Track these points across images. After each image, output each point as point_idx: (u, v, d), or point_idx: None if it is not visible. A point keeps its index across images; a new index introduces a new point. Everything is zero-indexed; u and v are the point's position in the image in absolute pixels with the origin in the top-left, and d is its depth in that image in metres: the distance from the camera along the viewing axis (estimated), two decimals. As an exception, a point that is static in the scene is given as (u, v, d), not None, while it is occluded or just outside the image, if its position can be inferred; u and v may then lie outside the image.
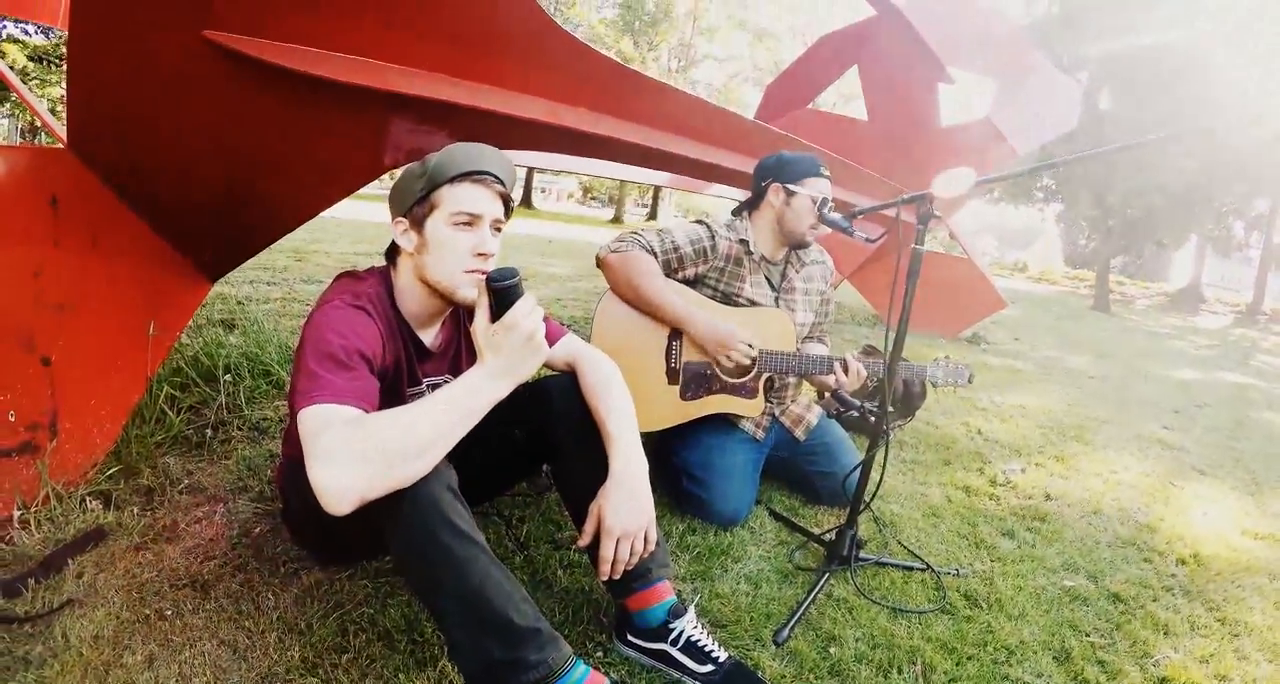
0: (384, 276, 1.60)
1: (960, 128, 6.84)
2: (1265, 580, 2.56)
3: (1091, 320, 15.15)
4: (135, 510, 1.92)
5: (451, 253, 1.49)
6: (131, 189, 1.98)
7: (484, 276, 1.38)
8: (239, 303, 4.21)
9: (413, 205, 1.51)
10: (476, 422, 1.31)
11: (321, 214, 2.35)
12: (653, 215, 37.62)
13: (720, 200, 7.48)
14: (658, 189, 32.59)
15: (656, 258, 2.35)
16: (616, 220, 31.85)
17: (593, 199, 56.43)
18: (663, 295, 2.31)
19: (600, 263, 2.37)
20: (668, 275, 2.38)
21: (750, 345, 2.36)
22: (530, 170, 27.85)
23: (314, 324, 1.39)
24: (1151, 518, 3.02)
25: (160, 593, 1.62)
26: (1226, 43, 15.91)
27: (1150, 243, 21.45)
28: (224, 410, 2.57)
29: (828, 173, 2.47)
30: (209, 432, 2.43)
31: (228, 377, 2.70)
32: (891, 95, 6.94)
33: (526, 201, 30.27)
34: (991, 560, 2.38)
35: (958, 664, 1.78)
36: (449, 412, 1.27)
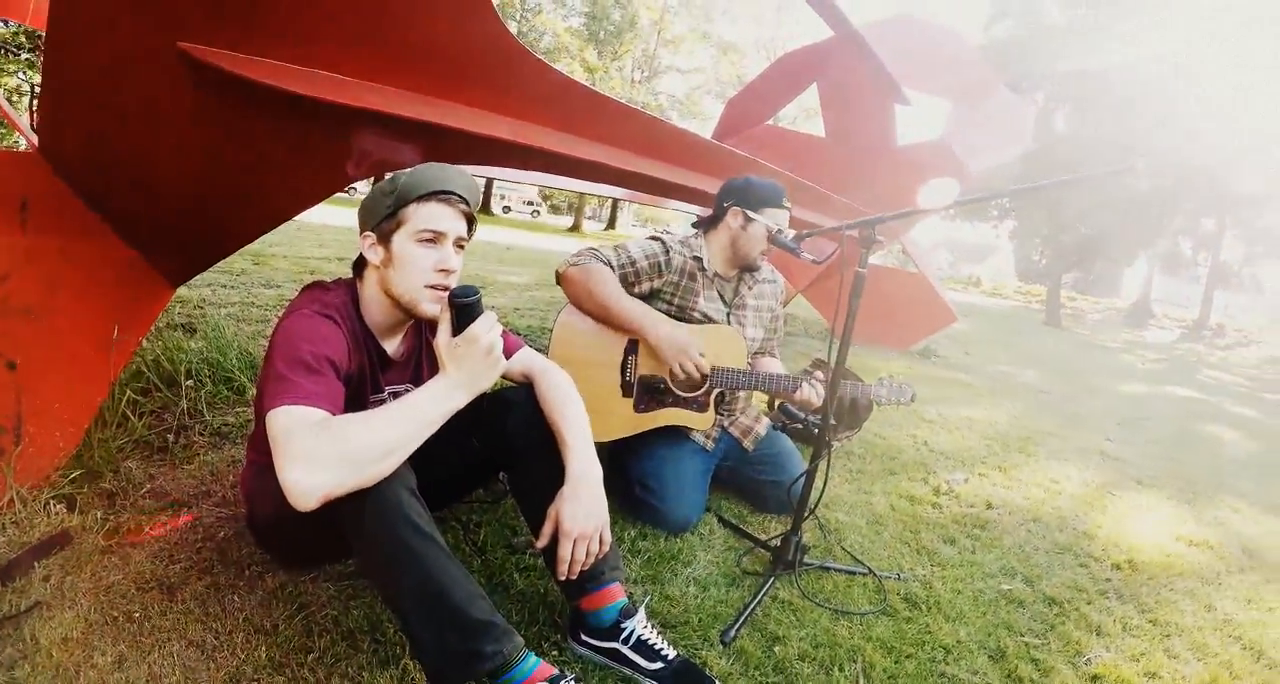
0: (350, 288, 1.67)
1: (916, 147, 7.01)
2: (1197, 584, 2.69)
3: (1043, 334, 15.53)
4: (99, 514, 1.94)
5: (415, 268, 1.56)
6: (100, 195, 2.02)
7: (446, 293, 1.47)
8: (198, 306, 4.22)
9: (380, 221, 1.58)
10: (436, 428, 1.39)
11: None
12: (611, 225, 37.73)
13: (679, 214, 7.57)
14: (616, 199, 32.64)
15: (614, 271, 2.43)
16: (575, 228, 31.82)
17: (551, 207, 56.34)
18: (622, 304, 2.39)
19: (560, 278, 2.45)
20: (625, 289, 2.45)
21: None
22: (490, 180, 27.79)
23: (284, 330, 1.46)
24: (1089, 525, 3.14)
25: (128, 595, 1.65)
26: (1176, 70, 16.42)
27: (1101, 259, 22.01)
28: (185, 416, 2.59)
29: (789, 205, 2.56)
30: (170, 437, 2.45)
31: (189, 382, 2.72)
32: (849, 114, 7.07)
33: (485, 208, 30.15)
34: (932, 565, 2.47)
35: (896, 662, 1.86)
36: (412, 417, 1.35)
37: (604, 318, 2.42)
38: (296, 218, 2.35)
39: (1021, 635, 2.10)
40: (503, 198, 48.14)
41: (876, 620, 2.05)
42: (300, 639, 1.58)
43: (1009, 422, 5.22)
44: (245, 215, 2.26)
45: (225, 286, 5.12)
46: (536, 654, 1.41)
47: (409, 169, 1.58)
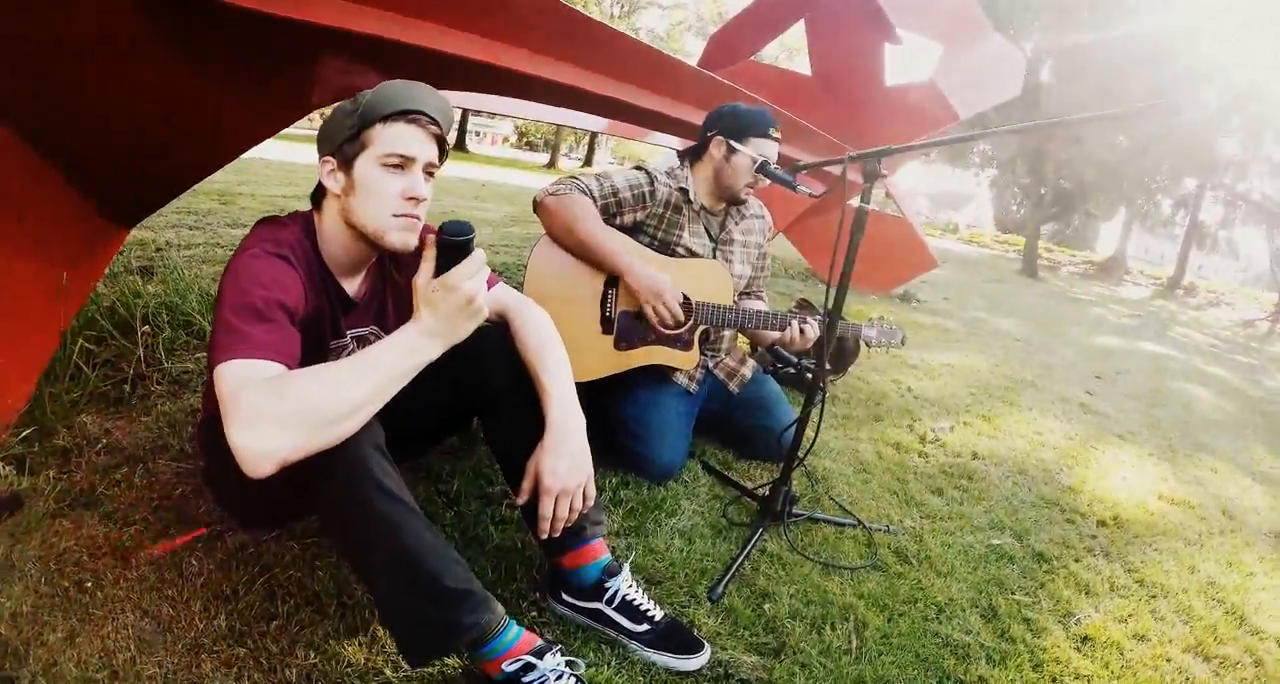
0: (307, 222, 1.49)
1: (905, 88, 6.84)
2: (1180, 545, 2.65)
3: (1018, 284, 15.57)
4: (51, 474, 1.79)
5: (380, 196, 1.38)
6: (40, 133, 1.81)
7: (421, 225, 1.32)
8: (159, 249, 3.96)
9: (341, 144, 1.39)
10: (406, 382, 1.23)
11: (249, 155, 2.18)
12: (588, 162, 37.03)
13: (658, 149, 7.34)
14: (594, 135, 31.99)
15: (595, 202, 2.27)
16: (551, 165, 31.19)
17: (527, 144, 55.25)
18: (600, 240, 2.23)
19: (537, 206, 2.27)
20: (606, 221, 2.30)
21: (685, 300, 2.31)
22: (465, 113, 27.00)
23: (232, 273, 1.29)
24: (1074, 480, 3.11)
25: (79, 563, 1.52)
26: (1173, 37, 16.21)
27: (1080, 213, 22.07)
28: (142, 364, 2.41)
29: (778, 136, 2.41)
30: (127, 387, 2.28)
31: (145, 328, 2.53)
32: (837, 52, 6.87)
33: (460, 145, 29.33)
34: (921, 517, 2.41)
35: (890, 621, 1.79)
36: (378, 371, 1.20)
37: (581, 253, 2.26)
38: (264, 156, 2.14)
39: (1013, 593, 2.05)
40: (477, 134, 47.01)
41: (868, 575, 1.98)
42: (262, 605, 1.47)
43: (989, 369, 5.18)
44: (198, 149, 2.08)
45: (190, 228, 4.82)
46: (514, 615, 1.30)
47: (374, 87, 1.40)
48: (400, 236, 1.41)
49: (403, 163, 1.38)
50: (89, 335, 2.38)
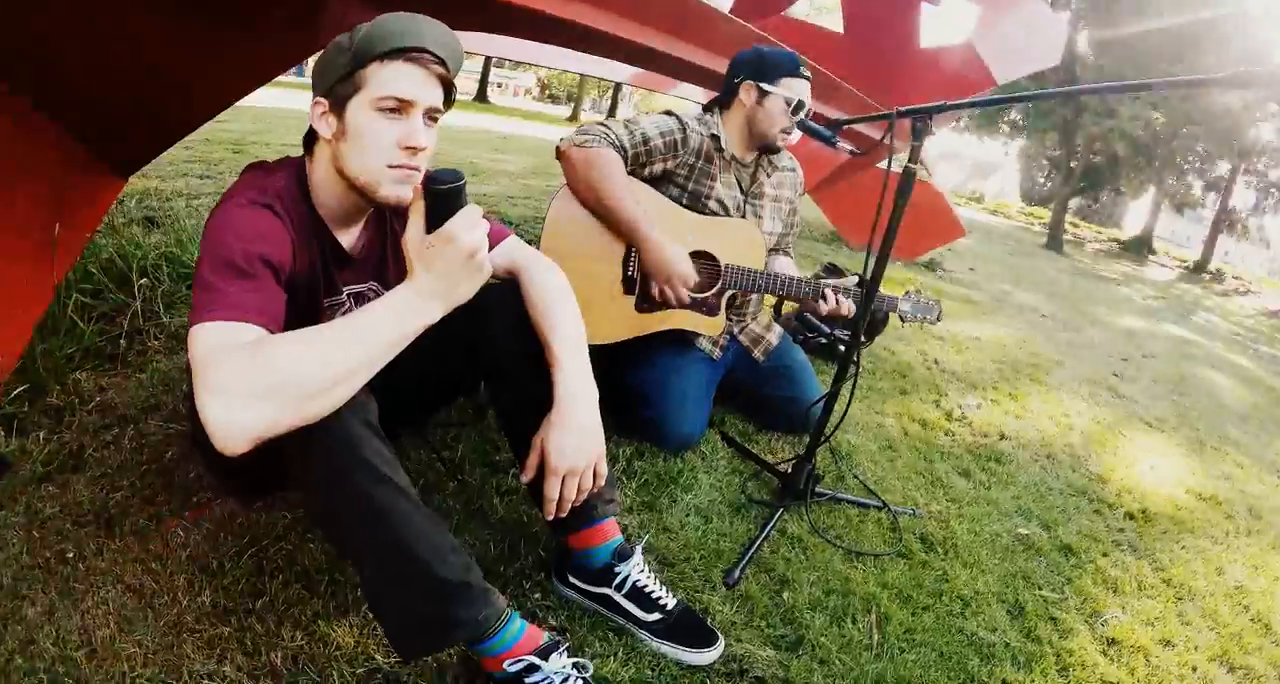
0: (298, 168, 1.33)
1: (940, 50, 6.58)
2: (1208, 544, 2.55)
3: (1043, 258, 15.27)
4: (41, 435, 1.70)
5: (374, 143, 1.21)
6: (29, 79, 1.67)
7: (414, 175, 1.16)
8: (168, 198, 3.79)
9: (334, 84, 1.22)
10: (401, 348, 1.10)
11: (264, 103, 2.03)
12: (611, 114, 36.33)
13: (683, 102, 7.10)
14: (618, 87, 31.33)
15: (626, 153, 2.11)
16: (574, 118, 30.57)
17: (550, 96, 54.35)
18: (622, 204, 2.07)
19: (560, 155, 2.10)
20: (635, 171, 2.15)
21: (713, 262, 2.19)
22: (487, 63, 26.38)
23: (212, 226, 1.15)
24: (1102, 467, 3.00)
25: (62, 532, 1.43)
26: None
27: (1109, 189, 21.62)
28: (140, 318, 2.30)
29: (807, 73, 2.25)
30: (123, 342, 2.17)
31: (144, 281, 2.40)
32: (872, 9, 6.59)
33: (482, 96, 28.79)
34: (947, 501, 2.31)
35: (914, 614, 1.70)
36: (369, 337, 1.06)
37: (599, 213, 2.11)
38: (282, 105, 1.97)
39: (1039, 589, 1.96)
40: (499, 86, 46.11)
41: (892, 563, 1.88)
42: (249, 580, 1.38)
43: (1015, 344, 5.04)
44: (198, 93, 1.92)
45: (200, 177, 4.63)
46: (518, 597, 1.19)
47: (371, 21, 1.23)
48: (395, 190, 1.24)
49: (400, 107, 1.21)
50: (85, 289, 2.27)
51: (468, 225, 1.08)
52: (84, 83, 1.71)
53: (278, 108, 9.57)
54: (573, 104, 33.69)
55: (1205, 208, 27.96)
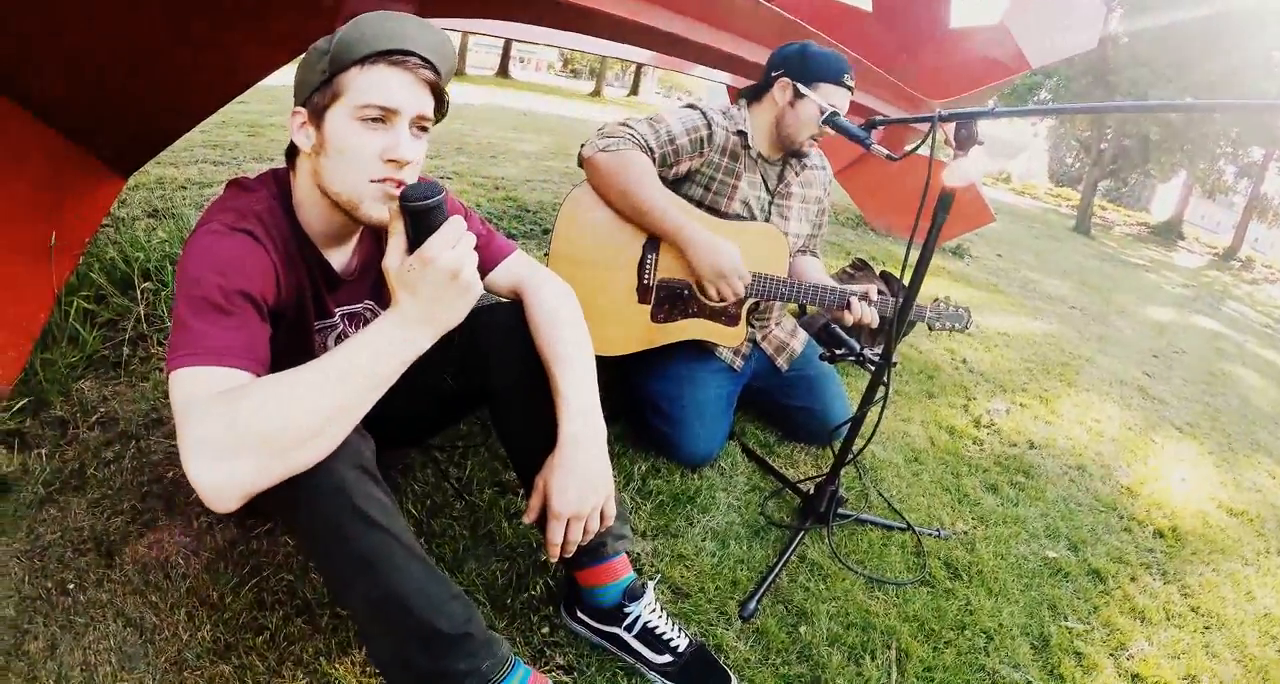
0: (279, 183, 1.23)
1: (972, 31, 6.37)
2: (1239, 566, 2.46)
3: (1071, 241, 15.00)
4: (44, 452, 1.66)
5: (354, 157, 1.11)
6: (21, 79, 1.60)
7: (397, 193, 1.05)
8: (182, 186, 3.71)
9: (312, 92, 1.13)
10: (391, 384, 1.02)
11: (284, 81, 1.94)
12: (634, 91, 35.77)
13: (704, 83, 6.93)
14: (640, 64, 30.88)
15: (653, 154, 2.01)
16: (596, 93, 30.12)
17: (571, 71, 53.78)
18: (662, 208, 1.98)
19: (585, 163, 2.00)
20: (662, 172, 2.05)
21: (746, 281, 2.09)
22: (508, 40, 26.02)
23: (187, 257, 1.06)
24: (1133, 479, 2.91)
25: (63, 560, 1.40)
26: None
27: (1139, 172, 21.19)
28: (143, 323, 2.23)
29: (851, 84, 2.11)
30: (126, 349, 2.11)
31: (146, 284, 2.34)
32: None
33: (504, 70, 28.29)
34: (973, 520, 2.24)
35: (935, 650, 1.63)
36: (353, 377, 0.98)
37: (636, 219, 2.01)
38: None
39: (1065, 619, 1.89)
40: (522, 61, 45.40)
41: (914, 593, 1.81)
42: (250, 614, 1.34)
43: (1045, 340, 4.92)
44: (198, 87, 1.83)
45: (215, 163, 4.53)
46: (525, 631, 1.14)
47: (350, 21, 1.11)
48: (379, 208, 1.13)
49: (384, 116, 1.10)
50: (86, 295, 2.21)
51: (448, 243, 1.00)
52: (78, 76, 1.64)
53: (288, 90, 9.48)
54: (595, 79, 33.16)
55: (1237, 193, 27.37)
